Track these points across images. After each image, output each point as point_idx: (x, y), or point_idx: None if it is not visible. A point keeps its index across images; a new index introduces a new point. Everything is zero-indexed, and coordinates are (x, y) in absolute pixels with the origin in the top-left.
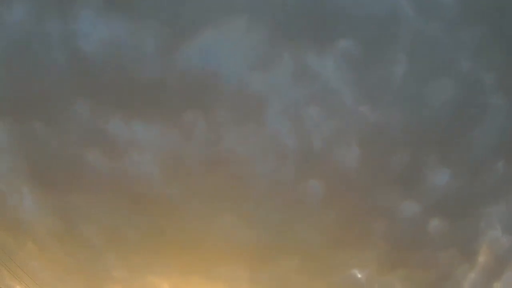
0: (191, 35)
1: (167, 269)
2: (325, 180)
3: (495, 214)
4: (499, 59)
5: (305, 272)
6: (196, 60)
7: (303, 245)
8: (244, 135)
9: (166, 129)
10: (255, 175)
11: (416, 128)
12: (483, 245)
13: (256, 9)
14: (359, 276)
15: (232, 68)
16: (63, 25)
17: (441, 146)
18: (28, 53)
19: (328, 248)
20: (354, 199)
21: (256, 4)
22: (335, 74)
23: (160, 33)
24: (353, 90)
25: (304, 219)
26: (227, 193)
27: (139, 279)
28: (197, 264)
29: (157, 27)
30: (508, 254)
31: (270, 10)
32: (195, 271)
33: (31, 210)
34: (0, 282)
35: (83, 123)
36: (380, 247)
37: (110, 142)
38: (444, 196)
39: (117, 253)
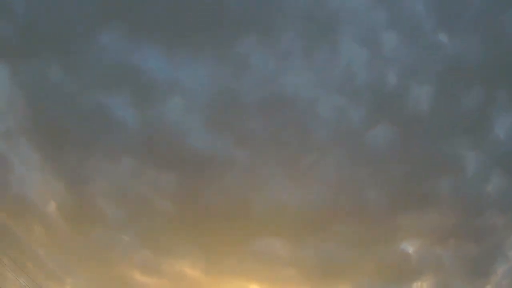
0: None
1: (198, 249)
2: (396, 125)
3: None
4: None
5: (355, 244)
6: None
7: (362, 209)
8: (310, 68)
9: (216, 64)
10: (318, 119)
11: (492, 61)
12: None
13: None
14: (411, 248)
15: None
16: None
17: None
18: None
19: (387, 214)
20: (422, 149)
21: None
22: None
23: None
24: (433, 15)
25: (369, 175)
26: (283, 144)
27: (164, 262)
28: (234, 241)
29: None
30: None
31: None
32: (230, 250)
33: (38, 182)
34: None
35: (109, 57)
36: (441, 211)
37: (144, 83)
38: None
39: (138, 232)
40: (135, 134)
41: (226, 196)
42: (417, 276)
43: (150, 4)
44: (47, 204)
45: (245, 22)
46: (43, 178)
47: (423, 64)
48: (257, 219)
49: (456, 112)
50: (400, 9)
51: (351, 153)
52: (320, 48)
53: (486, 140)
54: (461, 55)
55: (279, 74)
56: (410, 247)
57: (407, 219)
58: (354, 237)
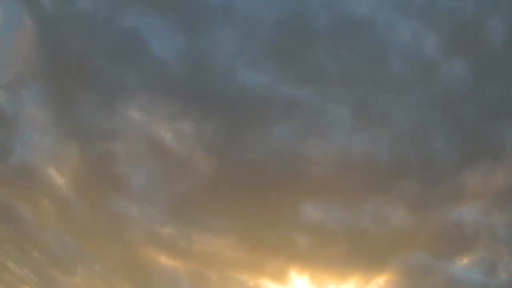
0: None
1: (234, 222)
2: (471, 59)
3: None
4: None
5: (415, 208)
6: None
7: (427, 163)
8: None
9: None
10: (395, 49)
11: None
12: None
13: None
14: (470, 214)
15: None
16: None
17: None
18: None
19: (451, 170)
20: (496, 92)
21: None
22: None
23: None
24: None
25: (439, 121)
26: (354, 80)
27: (195, 240)
28: (278, 209)
29: None
30: None
31: None
32: (271, 222)
33: (48, 147)
34: None
35: None
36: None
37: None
38: None
39: (166, 204)
40: (176, 72)
41: (278, 151)
42: (474, 246)
43: None
44: (57, 174)
45: None
46: (54, 141)
47: None
48: (311, 178)
49: None
50: None
51: (425, 93)
52: None
53: None
54: None
55: None
56: (470, 212)
57: (471, 177)
58: (415, 200)
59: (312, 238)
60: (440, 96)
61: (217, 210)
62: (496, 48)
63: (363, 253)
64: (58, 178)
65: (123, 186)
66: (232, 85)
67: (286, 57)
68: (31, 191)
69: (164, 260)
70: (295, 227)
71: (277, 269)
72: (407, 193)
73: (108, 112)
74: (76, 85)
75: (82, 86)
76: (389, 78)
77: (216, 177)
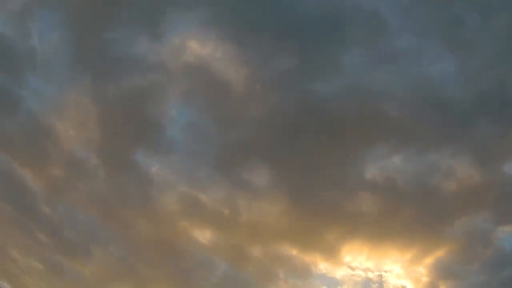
0: None
1: (280, 182)
2: None
3: None
4: None
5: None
6: None
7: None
8: None
9: None
10: None
11: None
12: None
13: None
14: None
15: None
16: None
17: None
18: None
19: None
20: None
21: None
22: None
23: None
24: None
25: None
26: None
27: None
28: (331, 161)
29: None
30: None
31: None
32: (324, 181)
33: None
34: None
35: None
36: None
37: None
38: None
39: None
40: None
41: (346, 86)
42: None
43: None
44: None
45: None
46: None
47: None
48: (381, 118)
49: None
50: None
51: None
52: None
53: None
54: None
55: None
56: None
57: None
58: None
59: (376, 200)
60: None
61: (268, 166)
62: None
63: (428, 215)
64: (73, 135)
65: (156, 137)
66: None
67: None
68: (41, 154)
69: (202, 235)
70: (357, 187)
71: (332, 243)
72: (479, 139)
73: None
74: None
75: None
76: None
77: (272, 121)
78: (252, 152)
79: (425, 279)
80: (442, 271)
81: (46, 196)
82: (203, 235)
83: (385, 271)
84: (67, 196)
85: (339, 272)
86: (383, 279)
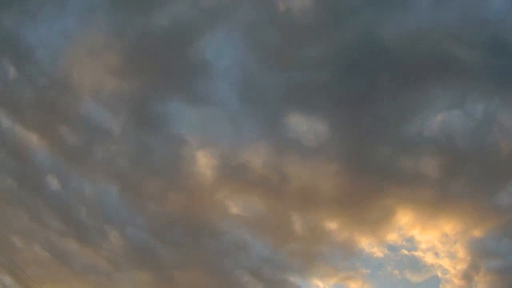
0: None
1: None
2: None
3: None
4: None
5: None
6: None
7: None
8: None
9: None
10: None
11: None
12: None
13: None
14: None
15: None
16: None
17: None
18: None
19: None
20: None
21: None
22: None
23: None
24: None
25: None
26: None
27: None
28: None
29: None
30: None
31: None
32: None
33: None
34: None
35: None
36: None
37: None
38: None
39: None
40: None
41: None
42: None
43: None
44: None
45: None
46: None
47: None
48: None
49: None
50: None
51: None
52: None
53: None
54: None
55: None
56: None
57: None
58: None
59: (433, 159)
60: None
61: (321, 119)
62: None
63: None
64: (90, 88)
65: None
66: None
67: None
68: (51, 114)
69: (239, 208)
70: (415, 144)
71: (383, 214)
72: None
73: None
74: None
75: None
76: None
77: (330, 64)
78: (304, 103)
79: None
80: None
81: (56, 167)
82: (241, 209)
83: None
84: (81, 167)
85: (387, 249)
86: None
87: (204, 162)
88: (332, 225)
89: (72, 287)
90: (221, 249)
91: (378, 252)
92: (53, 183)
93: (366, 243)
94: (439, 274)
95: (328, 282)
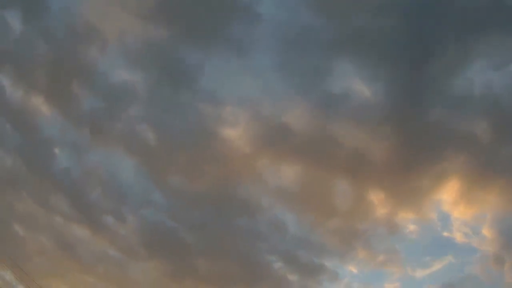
0: None
1: None
2: None
3: None
4: None
5: None
6: None
7: None
8: None
9: None
10: None
11: None
12: None
13: None
14: None
15: None
16: None
17: None
18: None
19: None
20: None
21: None
22: None
23: None
24: None
25: None
26: None
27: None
28: None
29: None
30: None
31: None
32: None
33: None
34: None
35: None
36: None
37: None
38: None
39: None
40: None
41: None
42: None
43: None
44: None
45: None
46: None
47: None
48: None
49: None
50: None
51: None
52: None
53: None
54: None
55: None
56: None
57: None
58: None
59: (482, 121)
60: None
61: (373, 72)
62: None
63: None
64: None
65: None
66: None
67: None
68: (64, 72)
69: (277, 181)
70: (464, 103)
71: (431, 182)
72: None
73: None
74: None
75: None
76: None
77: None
78: (357, 53)
79: None
80: None
81: (67, 139)
82: (279, 181)
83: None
84: (95, 138)
85: (426, 227)
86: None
87: (239, 126)
88: (375, 197)
89: (78, 281)
90: (254, 230)
91: (416, 230)
92: (62, 158)
93: (407, 220)
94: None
95: (367, 267)
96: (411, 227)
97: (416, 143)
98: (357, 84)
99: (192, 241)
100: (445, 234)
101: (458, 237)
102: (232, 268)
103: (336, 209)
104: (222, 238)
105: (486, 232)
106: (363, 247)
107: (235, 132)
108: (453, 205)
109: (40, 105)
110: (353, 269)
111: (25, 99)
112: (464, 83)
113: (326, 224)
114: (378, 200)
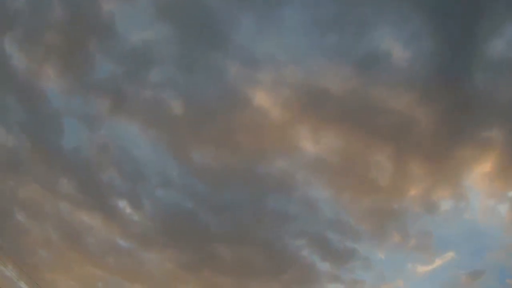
0: None
1: None
2: None
3: None
4: None
5: None
6: None
7: None
8: None
9: None
10: None
11: None
12: None
13: None
14: None
15: None
16: None
17: None
18: None
19: None
20: None
21: None
22: None
23: None
24: None
25: None
26: None
27: None
28: None
29: None
30: None
31: None
32: None
33: None
34: None
35: None
36: None
37: None
38: None
39: None
40: None
41: None
42: None
43: None
44: None
45: None
46: None
47: None
48: None
49: None
50: None
51: None
52: None
53: None
54: None
55: None
56: None
57: None
58: None
59: None
60: None
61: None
62: None
63: None
64: None
65: None
66: None
67: None
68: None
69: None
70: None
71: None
72: None
73: None
74: None
75: None
76: None
77: None
78: (398, 12)
79: None
80: None
81: (77, 110)
82: (316, 152)
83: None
84: (109, 107)
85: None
86: None
87: (274, 90)
88: (415, 170)
89: (86, 274)
90: (284, 211)
91: (453, 209)
92: (72, 133)
93: (444, 198)
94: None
95: (401, 250)
96: (447, 205)
97: (460, 110)
98: (399, 45)
99: (213, 225)
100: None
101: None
102: (256, 256)
103: (373, 184)
104: (248, 221)
105: None
106: (398, 230)
107: (270, 98)
108: (494, 178)
109: (49, 73)
110: (386, 253)
111: (32, 66)
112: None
113: (361, 203)
114: (417, 175)
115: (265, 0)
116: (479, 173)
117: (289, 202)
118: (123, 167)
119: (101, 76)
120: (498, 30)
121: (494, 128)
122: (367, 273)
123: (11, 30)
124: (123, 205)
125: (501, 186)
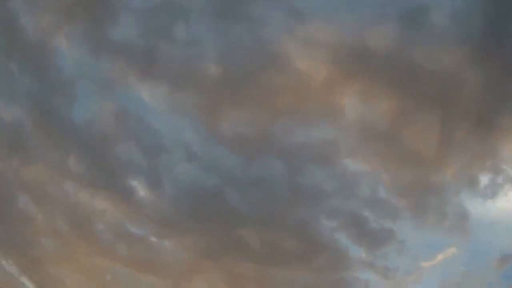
0: None
1: None
2: None
3: None
4: None
5: None
6: None
7: None
8: None
9: None
10: None
11: None
12: None
13: None
14: None
15: None
16: None
17: None
18: None
19: None
20: None
21: None
22: None
23: None
24: None
25: None
26: None
27: None
28: None
29: None
30: None
31: None
32: None
33: None
34: None
35: None
36: None
37: None
38: None
39: None
40: None
41: None
42: None
43: None
44: None
45: None
46: None
47: None
48: None
49: None
50: None
51: None
52: None
53: None
54: None
55: None
56: None
57: None
58: None
59: None
60: None
61: None
62: None
63: None
64: None
65: None
66: None
67: None
68: None
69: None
70: None
71: None
72: None
73: None
74: None
75: None
76: None
77: None
78: None
79: None
80: None
81: (90, 73)
82: (358, 118)
83: None
84: (126, 74)
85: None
86: None
87: (317, 47)
88: (459, 139)
89: (94, 265)
90: (320, 187)
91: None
92: (83, 102)
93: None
94: None
95: (438, 231)
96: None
97: None
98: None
99: (240, 206)
100: None
101: None
102: (284, 241)
103: (416, 155)
104: (279, 200)
105: None
106: (435, 208)
107: (312, 56)
108: None
109: (59, 33)
110: (423, 236)
111: (40, 25)
112: None
113: (401, 177)
114: (461, 145)
115: None
116: None
117: (326, 176)
118: (141, 139)
119: (119, 35)
120: None
121: None
122: (401, 259)
123: None
124: (139, 184)
125: None
